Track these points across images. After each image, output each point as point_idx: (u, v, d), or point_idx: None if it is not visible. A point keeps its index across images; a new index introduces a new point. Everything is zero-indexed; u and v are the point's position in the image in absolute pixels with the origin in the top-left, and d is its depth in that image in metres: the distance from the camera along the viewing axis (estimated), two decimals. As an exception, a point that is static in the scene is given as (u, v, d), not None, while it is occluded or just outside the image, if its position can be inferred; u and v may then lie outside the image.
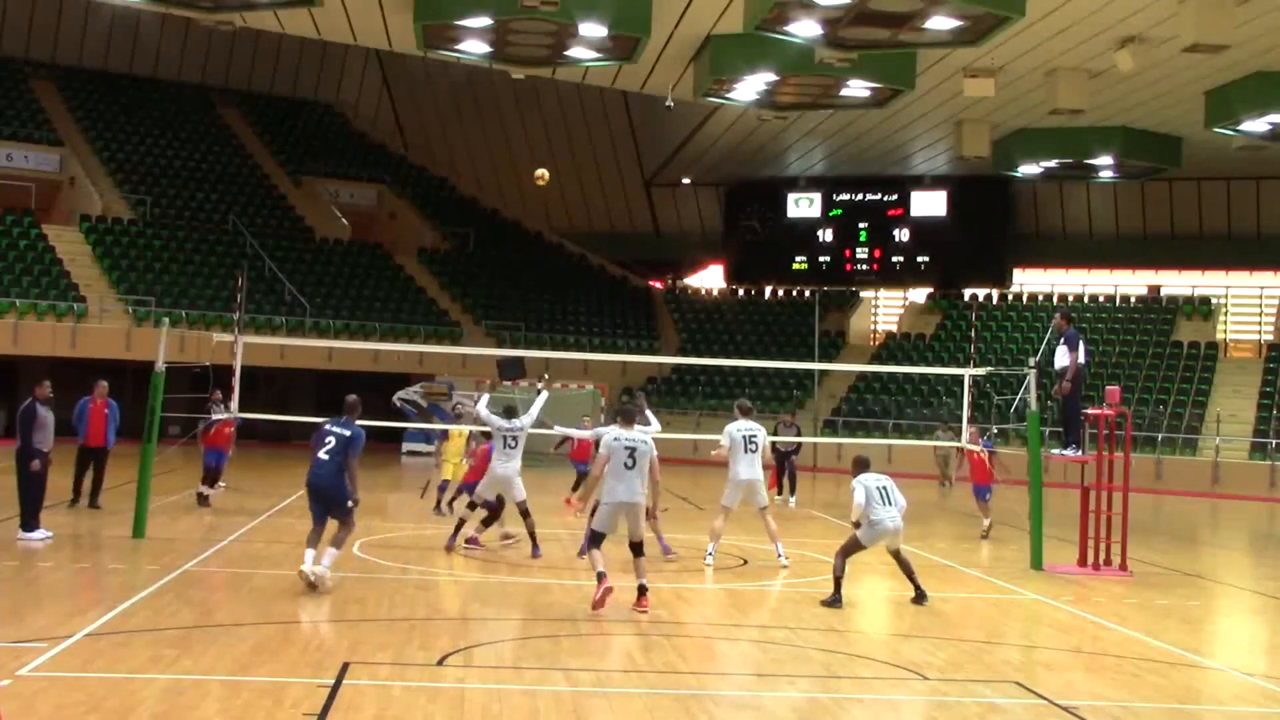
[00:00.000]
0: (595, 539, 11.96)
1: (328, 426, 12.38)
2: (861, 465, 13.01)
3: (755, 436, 14.96)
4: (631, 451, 11.75)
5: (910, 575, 12.97)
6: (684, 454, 31.74)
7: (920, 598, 12.84)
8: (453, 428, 21.30)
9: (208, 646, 9.67)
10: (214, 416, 18.99)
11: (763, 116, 33.31)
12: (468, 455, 18.86)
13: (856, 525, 12.76)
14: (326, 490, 12.12)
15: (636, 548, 11.86)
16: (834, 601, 12.41)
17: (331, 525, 12.29)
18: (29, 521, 15.06)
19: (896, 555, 13.00)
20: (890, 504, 12.67)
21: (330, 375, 36.29)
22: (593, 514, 12.25)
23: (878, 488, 12.70)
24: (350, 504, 12.12)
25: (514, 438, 15.25)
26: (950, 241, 43.29)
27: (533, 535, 15.33)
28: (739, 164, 43.11)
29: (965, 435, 18.42)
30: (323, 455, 12.13)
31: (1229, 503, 31.18)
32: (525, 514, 15.33)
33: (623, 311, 44.45)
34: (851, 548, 12.81)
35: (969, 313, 42.71)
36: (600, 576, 11.66)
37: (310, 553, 12.10)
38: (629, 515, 11.79)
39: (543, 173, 17.99)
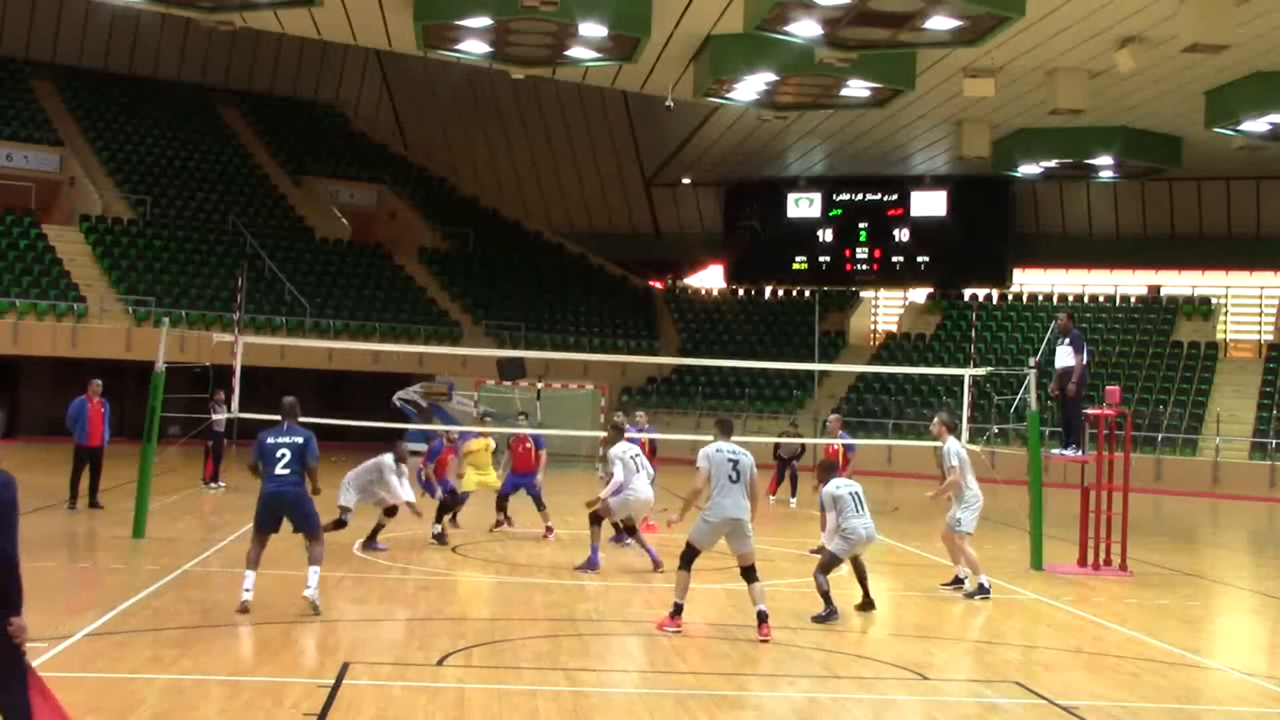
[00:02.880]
0: (689, 555, 11.04)
1: (270, 440, 11.17)
2: (829, 470, 12.58)
3: (963, 453, 14.43)
4: (735, 464, 10.86)
5: (862, 581, 12.51)
6: (684, 454, 31.64)
7: (867, 605, 12.38)
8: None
9: (208, 646, 9.67)
10: (215, 417, 18.80)
11: (763, 116, 33.31)
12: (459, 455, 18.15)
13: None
14: (290, 502, 11.05)
15: (748, 573, 10.93)
16: (829, 615, 11.78)
17: (271, 545, 11.34)
18: None
19: (854, 559, 12.47)
20: (863, 511, 12.18)
21: (330, 375, 36.28)
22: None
23: (850, 494, 12.16)
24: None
25: None
26: (950, 241, 43.27)
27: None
28: (739, 164, 43.09)
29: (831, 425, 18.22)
30: (281, 470, 11.03)
31: (1229, 503, 31.16)
32: None
33: (623, 312, 44.42)
34: (830, 563, 12.12)
35: (969, 313, 42.71)
36: (677, 610, 10.95)
37: (251, 574, 11.01)
38: (734, 533, 10.87)
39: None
